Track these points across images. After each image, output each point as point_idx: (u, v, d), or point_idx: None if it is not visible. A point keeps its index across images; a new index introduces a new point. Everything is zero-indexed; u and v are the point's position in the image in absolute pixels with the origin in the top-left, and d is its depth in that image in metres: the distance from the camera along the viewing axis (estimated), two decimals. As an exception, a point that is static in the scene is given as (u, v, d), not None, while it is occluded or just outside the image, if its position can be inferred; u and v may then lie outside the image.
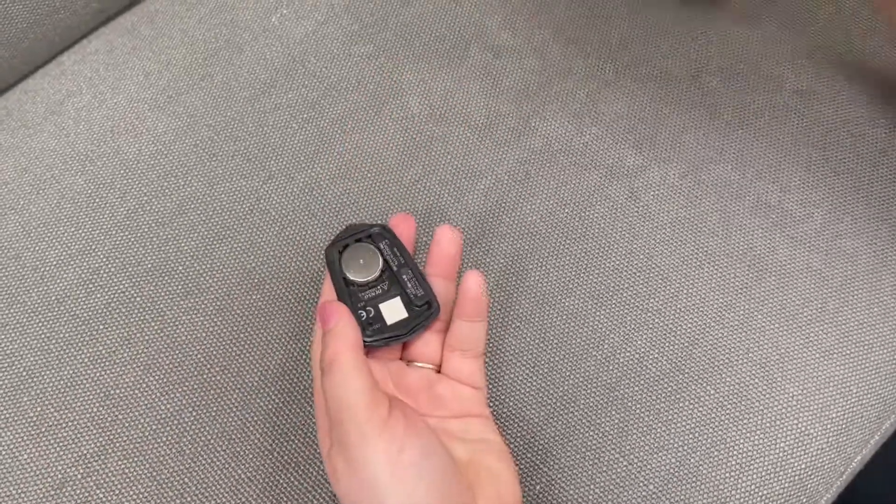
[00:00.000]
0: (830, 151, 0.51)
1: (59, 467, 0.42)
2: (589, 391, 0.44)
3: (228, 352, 0.45)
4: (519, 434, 0.43)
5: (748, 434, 0.43)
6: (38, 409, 0.43)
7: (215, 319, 0.45)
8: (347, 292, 0.40)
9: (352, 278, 0.40)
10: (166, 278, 0.46)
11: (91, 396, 0.43)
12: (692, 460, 0.43)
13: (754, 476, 0.43)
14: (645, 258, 0.47)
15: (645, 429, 0.43)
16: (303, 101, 0.51)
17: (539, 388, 0.44)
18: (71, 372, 0.44)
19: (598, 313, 0.46)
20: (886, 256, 0.48)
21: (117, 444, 0.42)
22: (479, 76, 0.52)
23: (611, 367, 0.44)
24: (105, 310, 0.45)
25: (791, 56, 0.54)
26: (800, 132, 0.51)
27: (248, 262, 0.47)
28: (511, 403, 0.44)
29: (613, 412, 0.44)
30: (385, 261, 0.41)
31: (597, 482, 0.42)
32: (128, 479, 0.42)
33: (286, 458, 0.43)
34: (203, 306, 0.46)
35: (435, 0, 0.55)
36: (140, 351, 0.44)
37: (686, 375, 0.44)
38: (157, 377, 0.44)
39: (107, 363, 0.44)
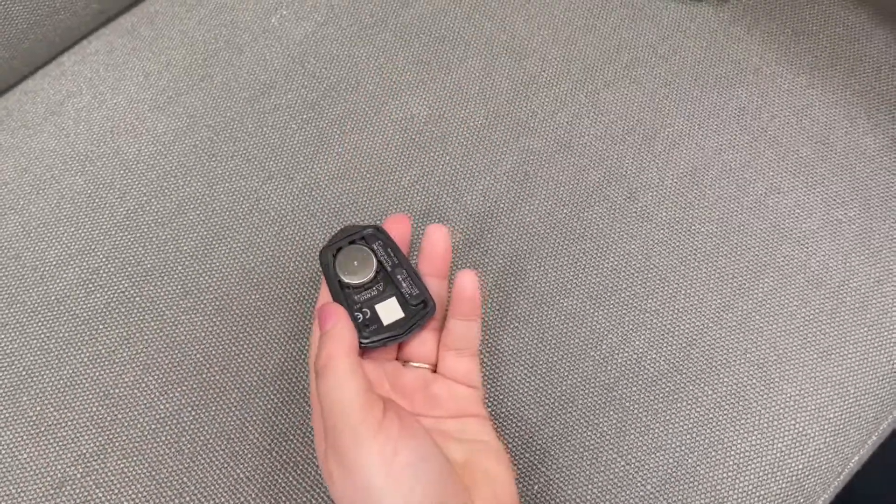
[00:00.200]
0: (829, 150, 0.51)
1: (59, 466, 0.42)
2: (587, 391, 0.44)
3: (227, 351, 0.45)
4: (517, 434, 0.43)
5: (746, 434, 0.44)
6: (38, 408, 0.43)
7: (214, 319, 0.45)
8: (343, 295, 0.40)
9: (347, 281, 0.40)
10: (165, 278, 0.46)
11: (90, 396, 0.43)
12: (690, 460, 0.43)
13: (752, 476, 0.43)
14: (643, 259, 0.47)
15: (643, 429, 0.43)
16: (302, 101, 0.52)
17: (537, 388, 0.44)
18: (70, 371, 0.44)
19: (596, 313, 0.46)
20: (884, 256, 0.48)
21: (116, 444, 0.43)
22: (478, 77, 0.52)
23: (609, 368, 0.45)
24: (104, 310, 0.46)
25: (791, 56, 0.54)
26: (799, 132, 0.51)
27: (247, 262, 0.47)
28: (509, 403, 0.44)
29: (611, 412, 0.44)
30: (379, 262, 0.41)
31: (594, 482, 0.42)
32: (127, 479, 0.42)
33: (285, 457, 0.43)
34: (202, 306, 0.46)
35: (434, 1, 0.55)
36: (139, 350, 0.45)
37: (684, 376, 0.44)
38: (156, 377, 0.44)
39: (106, 363, 0.44)
